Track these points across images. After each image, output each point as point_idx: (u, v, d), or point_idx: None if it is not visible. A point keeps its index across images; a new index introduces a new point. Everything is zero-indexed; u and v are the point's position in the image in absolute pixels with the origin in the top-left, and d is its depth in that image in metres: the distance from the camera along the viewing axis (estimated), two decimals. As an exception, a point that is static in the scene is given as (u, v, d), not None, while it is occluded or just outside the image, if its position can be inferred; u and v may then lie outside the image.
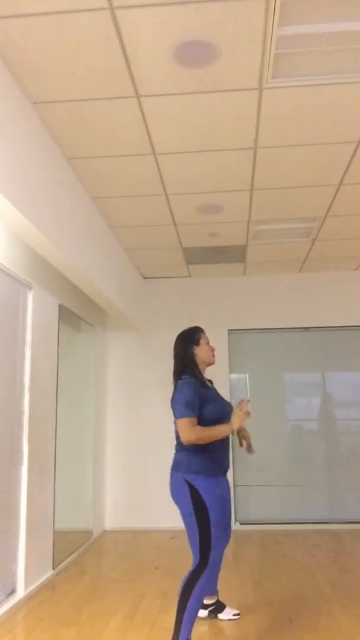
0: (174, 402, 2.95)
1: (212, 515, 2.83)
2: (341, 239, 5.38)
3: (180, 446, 2.98)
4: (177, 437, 2.98)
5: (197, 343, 3.15)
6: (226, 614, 3.33)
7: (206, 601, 3.31)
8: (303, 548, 5.14)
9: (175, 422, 2.92)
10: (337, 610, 3.45)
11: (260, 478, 6.20)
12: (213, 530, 2.83)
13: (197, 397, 2.92)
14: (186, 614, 2.73)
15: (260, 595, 3.78)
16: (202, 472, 2.88)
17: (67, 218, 3.75)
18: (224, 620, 3.31)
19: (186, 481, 2.87)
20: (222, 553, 3.08)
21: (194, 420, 2.84)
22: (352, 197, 4.36)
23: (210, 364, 3.20)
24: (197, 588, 2.77)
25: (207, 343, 3.20)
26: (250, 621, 3.29)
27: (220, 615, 3.33)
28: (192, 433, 2.80)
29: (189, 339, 3.17)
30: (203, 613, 3.30)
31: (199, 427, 2.83)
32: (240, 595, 3.78)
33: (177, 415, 2.89)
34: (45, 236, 3.28)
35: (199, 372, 3.11)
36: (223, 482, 2.98)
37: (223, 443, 3.00)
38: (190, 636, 2.73)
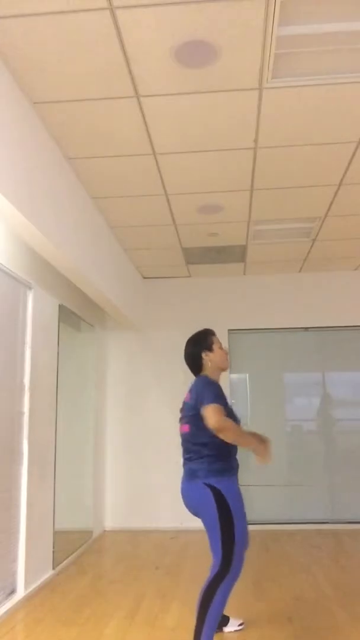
0: (198, 393, 2.82)
1: (236, 519, 2.73)
2: (341, 239, 5.38)
3: (195, 454, 2.85)
4: (190, 444, 2.87)
5: (210, 349, 3.01)
6: (231, 626, 3.16)
7: None
8: (303, 548, 5.14)
9: (188, 418, 2.85)
10: (337, 610, 3.45)
11: (260, 478, 6.20)
12: (237, 536, 2.72)
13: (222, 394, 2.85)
14: (207, 623, 2.63)
15: (260, 596, 3.78)
16: (221, 474, 2.79)
17: (67, 218, 3.75)
18: (230, 632, 3.13)
19: (208, 485, 2.77)
20: (243, 558, 2.87)
21: (223, 409, 2.72)
22: (352, 197, 4.36)
23: (224, 369, 3.06)
24: (218, 594, 2.67)
25: (220, 347, 3.06)
26: (251, 621, 3.29)
27: (225, 629, 3.14)
28: (224, 421, 2.67)
29: (200, 346, 3.02)
30: None
31: (232, 421, 2.71)
32: (241, 595, 3.77)
33: (206, 401, 2.74)
34: (45, 236, 3.28)
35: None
36: (237, 482, 2.91)
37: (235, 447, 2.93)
38: None
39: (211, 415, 2.70)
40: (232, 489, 2.80)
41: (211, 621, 2.66)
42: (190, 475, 2.86)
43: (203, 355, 3.01)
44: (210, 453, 2.81)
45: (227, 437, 2.72)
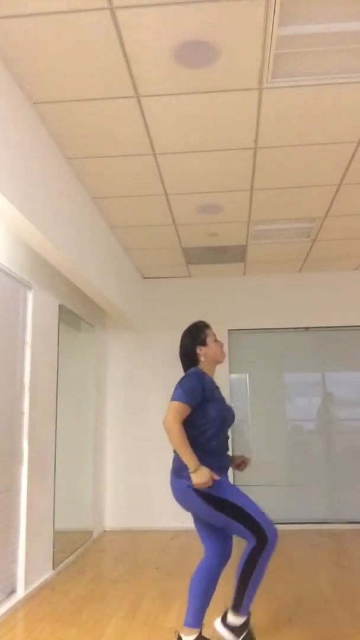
0: (175, 386, 2.81)
1: (234, 498, 2.68)
2: (341, 239, 5.38)
3: None
4: None
5: (204, 343, 2.99)
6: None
7: (186, 638, 2.77)
8: (303, 548, 5.14)
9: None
10: (337, 610, 3.45)
11: (260, 478, 6.20)
12: (248, 508, 2.66)
13: (202, 388, 2.78)
14: (248, 591, 2.65)
15: (260, 595, 3.77)
16: None
17: (67, 218, 3.75)
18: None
19: (191, 488, 2.66)
20: (272, 522, 2.76)
21: (187, 408, 2.70)
22: (352, 197, 4.36)
23: (219, 362, 3.05)
24: (258, 565, 2.64)
25: (215, 340, 3.05)
26: (251, 621, 3.29)
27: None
28: (175, 423, 2.65)
29: (194, 340, 3.00)
30: None
31: (182, 431, 2.64)
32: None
33: (173, 396, 2.73)
34: (45, 236, 3.28)
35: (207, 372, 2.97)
36: (226, 477, 2.84)
37: (222, 441, 2.88)
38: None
39: (168, 412, 2.69)
40: (218, 483, 2.68)
41: (255, 585, 2.66)
42: (175, 472, 2.78)
43: (197, 350, 2.99)
44: (196, 447, 2.69)
45: (170, 440, 2.68)
